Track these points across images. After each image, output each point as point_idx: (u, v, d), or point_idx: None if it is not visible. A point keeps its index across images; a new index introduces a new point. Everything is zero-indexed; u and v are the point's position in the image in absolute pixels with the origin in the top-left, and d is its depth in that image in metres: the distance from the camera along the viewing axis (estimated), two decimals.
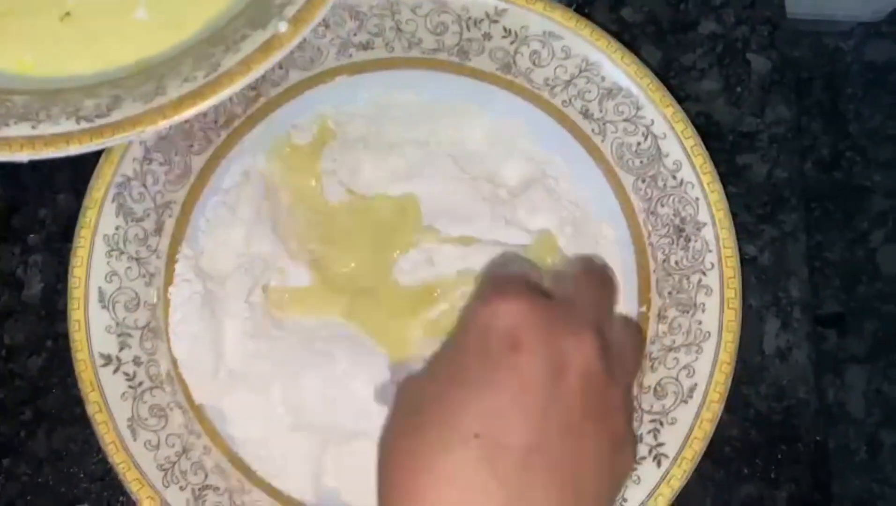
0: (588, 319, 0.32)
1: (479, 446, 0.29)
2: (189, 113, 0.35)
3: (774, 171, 0.47)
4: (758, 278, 0.46)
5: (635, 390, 0.39)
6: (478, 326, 0.31)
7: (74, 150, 0.35)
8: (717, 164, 0.42)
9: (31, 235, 0.46)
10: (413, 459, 0.30)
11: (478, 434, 0.29)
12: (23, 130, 0.35)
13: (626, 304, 0.41)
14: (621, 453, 0.33)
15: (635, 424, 0.39)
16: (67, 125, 0.35)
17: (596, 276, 0.38)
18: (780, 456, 0.44)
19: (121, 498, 0.43)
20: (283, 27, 0.36)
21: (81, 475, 0.43)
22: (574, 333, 0.31)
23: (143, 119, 0.35)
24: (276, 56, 0.36)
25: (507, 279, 0.34)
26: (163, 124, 0.35)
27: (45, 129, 0.35)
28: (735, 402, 0.44)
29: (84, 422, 0.40)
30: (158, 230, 0.41)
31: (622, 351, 0.35)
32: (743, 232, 0.46)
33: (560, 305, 0.33)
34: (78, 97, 0.36)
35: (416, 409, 0.31)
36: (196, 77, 0.35)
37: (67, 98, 0.36)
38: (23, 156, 0.35)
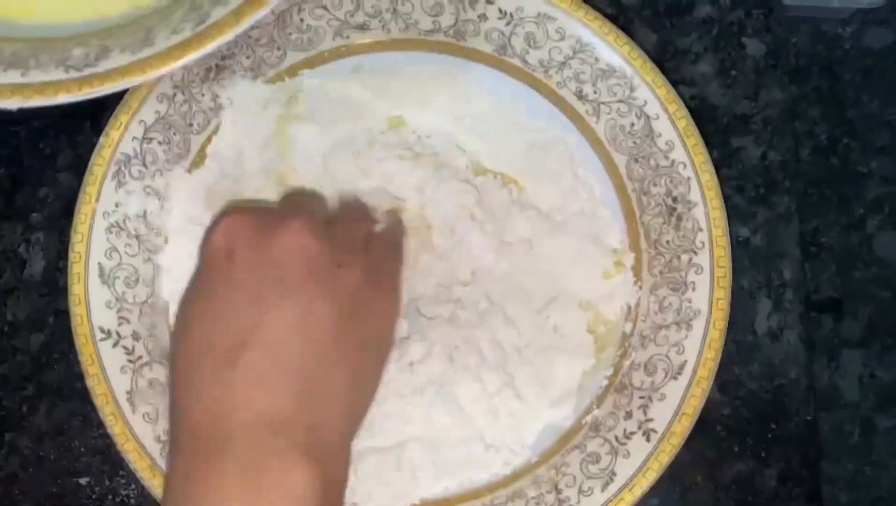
0: (297, 213, 0.35)
1: (215, 352, 0.32)
2: (176, 64, 0.35)
3: (768, 153, 0.47)
4: (750, 260, 0.46)
5: (625, 367, 0.40)
6: (202, 251, 0.35)
7: (63, 98, 0.35)
8: (711, 146, 0.43)
9: (33, 214, 0.46)
10: (178, 372, 0.33)
11: (212, 342, 0.32)
12: (12, 77, 0.35)
13: (618, 283, 0.42)
14: (366, 301, 0.35)
15: (624, 399, 0.39)
16: (56, 73, 0.35)
17: (305, 190, 0.42)
18: (770, 435, 0.45)
19: (121, 472, 0.44)
20: None
21: (82, 450, 0.44)
22: (282, 223, 0.34)
23: (131, 69, 0.35)
24: (265, 8, 0.35)
25: (231, 207, 0.40)
26: (150, 75, 0.35)
27: (35, 76, 0.35)
28: (727, 381, 0.44)
29: (85, 397, 0.41)
30: (158, 208, 0.42)
31: (354, 225, 0.38)
32: (736, 214, 0.46)
33: (273, 210, 0.37)
34: (67, 46, 0.36)
35: (179, 321, 0.35)
36: (184, 28, 0.35)
37: (57, 47, 0.36)
38: (12, 103, 0.35)
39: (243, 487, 0.30)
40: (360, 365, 0.34)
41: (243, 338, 0.32)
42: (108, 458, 0.44)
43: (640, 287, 0.41)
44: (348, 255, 0.35)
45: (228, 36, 0.35)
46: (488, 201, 0.43)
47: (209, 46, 0.35)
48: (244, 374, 0.31)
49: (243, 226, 0.34)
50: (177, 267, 0.41)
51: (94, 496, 0.44)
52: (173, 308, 0.41)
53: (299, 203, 0.39)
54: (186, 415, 0.32)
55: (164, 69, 0.35)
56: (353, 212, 0.41)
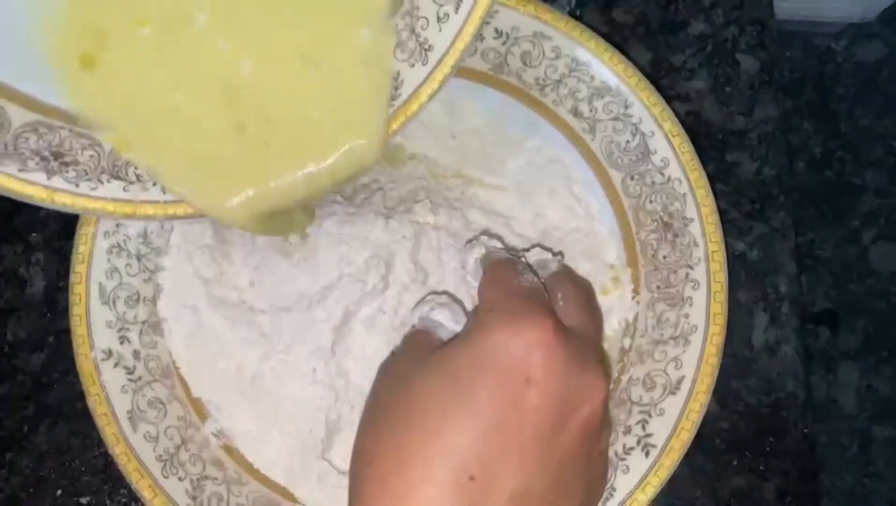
0: (596, 359, 0.31)
1: (471, 489, 0.27)
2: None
3: (763, 168, 0.48)
4: (747, 274, 0.46)
5: (624, 382, 0.40)
6: (488, 350, 0.29)
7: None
8: (706, 161, 0.43)
9: (33, 235, 0.47)
10: (392, 478, 0.28)
11: (472, 477, 0.27)
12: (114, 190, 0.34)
13: (616, 298, 0.42)
14: (595, 496, 0.33)
15: (623, 414, 0.40)
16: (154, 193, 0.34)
17: (593, 302, 0.37)
18: (768, 448, 0.45)
19: (121, 491, 0.44)
20: None
21: (83, 469, 0.44)
22: (586, 377, 0.30)
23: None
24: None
25: (528, 298, 0.32)
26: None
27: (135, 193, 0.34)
28: (725, 395, 0.45)
29: (85, 417, 0.41)
30: (158, 228, 0.42)
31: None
32: (732, 229, 0.46)
33: (575, 339, 0.31)
34: None
35: (399, 417, 0.29)
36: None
37: None
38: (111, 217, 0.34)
39: None
40: None
41: (499, 481, 0.28)
42: (109, 477, 0.44)
43: (638, 303, 0.42)
44: (600, 452, 0.32)
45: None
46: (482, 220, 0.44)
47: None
48: None
49: (547, 352, 0.29)
50: (177, 286, 0.41)
51: None
52: (171, 327, 0.42)
53: (583, 322, 0.34)
54: None
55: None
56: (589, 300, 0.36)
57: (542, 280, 0.35)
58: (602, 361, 0.33)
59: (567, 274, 0.38)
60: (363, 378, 0.40)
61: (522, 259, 0.38)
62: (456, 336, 0.34)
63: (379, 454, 0.29)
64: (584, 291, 0.36)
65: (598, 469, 0.32)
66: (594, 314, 0.36)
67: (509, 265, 0.35)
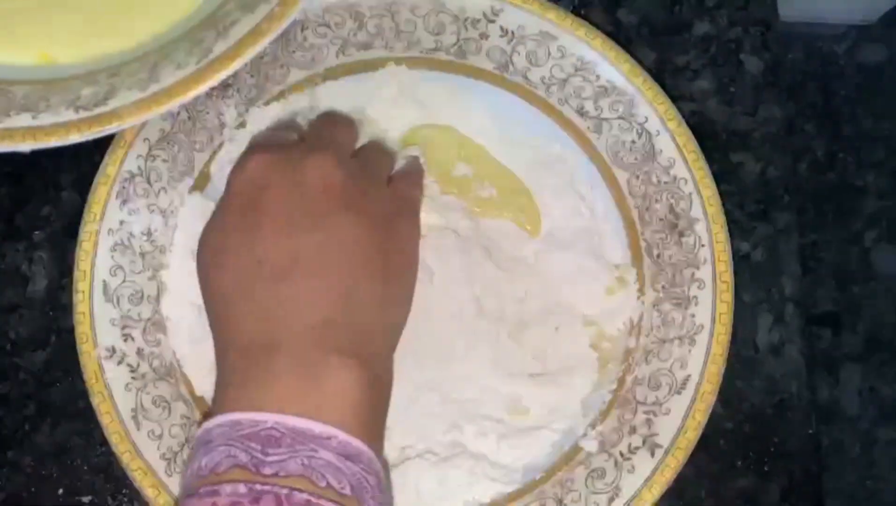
0: (323, 146, 0.38)
1: (264, 269, 0.35)
2: (183, 99, 0.36)
3: (767, 169, 0.48)
4: (751, 275, 0.46)
5: (629, 382, 0.40)
6: (234, 183, 0.37)
7: (75, 138, 0.36)
8: (710, 162, 0.43)
9: (36, 232, 0.46)
10: (226, 290, 0.36)
11: (259, 260, 0.35)
12: (24, 120, 0.36)
13: (622, 298, 0.42)
14: (391, 225, 0.38)
15: (628, 414, 0.40)
16: (67, 114, 0.36)
17: (334, 118, 0.43)
18: (772, 449, 0.45)
19: (124, 491, 0.43)
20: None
21: (85, 468, 0.44)
22: (308, 158, 0.36)
23: (139, 107, 0.36)
24: (265, 40, 0.37)
25: (261, 141, 0.41)
26: (157, 111, 0.36)
27: (46, 119, 0.36)
28: (729, 396, 0.45)
29: (87, 415, 0.41)
30: (162, 226, 0.42)
31: (376, 163, 0.41)
32: (736, 229, 0.46)
33: (299, 145, 0.39)
34: (76, 86, 0.37)
35: (215, 249, 0.37)
36: (188, 63, 0.37)
37: (66, 87, 0.37)
38: (25, 146, 0.36)
39: (298, 385, 0.33)
40: (393, 280, 0.37)
41: (285, 259, 0.35)
42: (111, 476, 0.44)
43: (643, 303, 0.42)
44: (372, 185, 0.38)
45: (231, 69, 0.37)
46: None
47: (213, 80, 0.36)
48: (290, 290, 0.34)
49: (274, 160, 0.37)
50: (181, 285, 0.41)
51: None
52: (175, 325, 0.41)
53: (327, 136, 0.41)
54: (236, 329, 0.35)
55: (171, 105, 0.36)
56: (377, 147, 0.43)
57: None
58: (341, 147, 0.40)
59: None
60: None
61: None
62: None
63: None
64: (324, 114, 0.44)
65: (378, 211, 0.37)
66: (329, 125, 0.43)
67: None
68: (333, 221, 0.36)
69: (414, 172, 0.43)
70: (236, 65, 0.36)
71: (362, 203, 0.37)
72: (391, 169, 0.42)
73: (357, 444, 0.32)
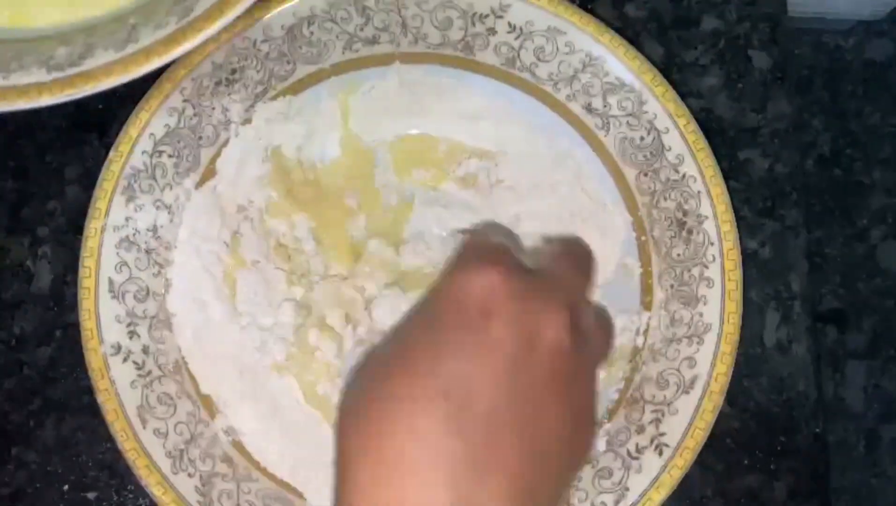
0: (562, 297, 0.32)
1: (446, 406, 0.29)
2: (161, 60, 0.34)
3: (775, 166, 0.47)
4: (758, 272, 0.46)
5: (637, 381, 0.40)
6: (452, 292, 0.32)
7: (46, 100, 0.34)
8: (718, 159, 0.43)
9: (41, 227, 0.46)
10: (378, 416, 0.30)
11: (447, 395, 0.29)
12: None
13: (629, 297, 0.42)
14: (582, 431, 0.32)
15: (636, 413, 0.39)
16: (39, 75, 0.34)
17: (576, 258, 0.37)
18: (779, 448, 0.44)
19: (129, 486, 0.43)
20: None
21: (90, 464, 0.44)
22: (547, 308, 0.31)
23: (115, 68, 0.34)
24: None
25: (485, 248, 0.34)
26: (134, 73, 0.34)
27: (17, 79, 0.34)
28: (736, 394, 0.44)
29: (92, 411, 0.41)
30: (168, 222, 0.42)
31: (593, 336, 0.35)
32: (744, 226, 0.46)
33: (536, 280, 0.33)
34: (51, 46, 0.35)
35: (380, 372, 0.31)
36: (168, 23, 0.34)
37: (40, 47, 0.35)
38: None
39: None
40: (573, 472, 0.33)
41: (476, 397, 0.29)
42: (116, 472, 0.43)
43: (651, 301, 0.41)
44: (586, 371, 0.33)
45: (213, 29, 0.34)
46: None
47: (194, 40, 0.34)
48: (498, 439, 0.29)
49: (505, 286, 0.31)
50: (186, 281, 0.41)
51: None
52: (180, 322, 0.41)
53: (567, 280, 0.35)
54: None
55: (149, 66, 0.34)
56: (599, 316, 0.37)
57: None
58: (577, 303, 0.33)
59: (559, 239, 0.39)
60: None
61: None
62: None
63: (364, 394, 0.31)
64: (562, 243, 0.38)
65: (581, 408, 0.32)
66: (570, 266, 0.36)
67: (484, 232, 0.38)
68: (542, 400, 0.30)
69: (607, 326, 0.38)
70: (219, 24, 0.34)
71: (570, 393, 0.32)
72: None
73: None
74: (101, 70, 0.34)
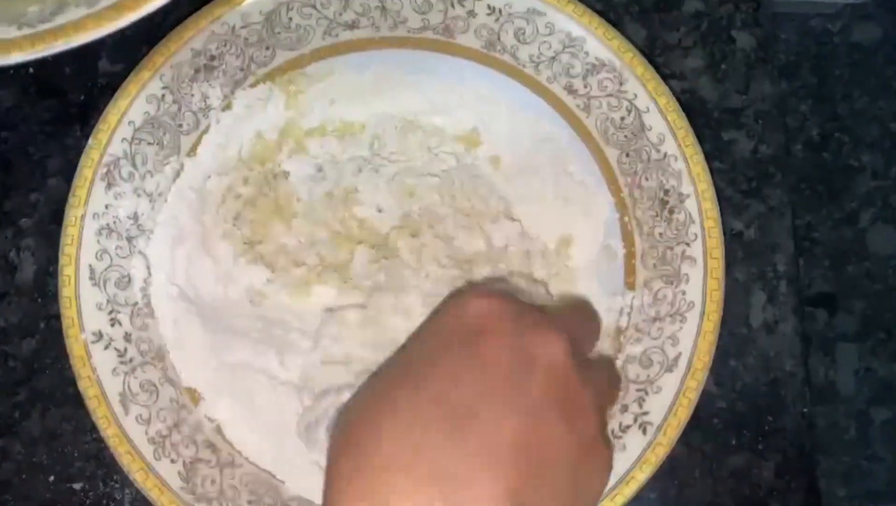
0: (562, 327, 0.32)
1: (439, 413, 0.29)
2: (133, 15, 0.33)
3: (759, 147, 0.47)
4: (744, 253, 0.46)
5: (621, 361, 0.40)
6: (450, 313, 0.32)
7: (17, 57, 0.33)
8: (702, 140, 0.43)
9: (24, 219, 0.46)
10: (368, 421, 0.30)
11: (440, 403, 0.29)
12: None
13: (613, 278, 0.42)
14: (592, 457, 0.32)
15: (620, 393, 0.39)
16: (9, 32, 0.33)
17: (581, 311, 0.39)
18: (766, 428, 0.44)
19: (115, 476, 0.43)
20: None
21: (76, 454, 0.44)
22: (545, 334, 0.31)
23: (87, 22, 0.33)
24: None
25: (485, 287, 0.36)
26: (106, 28, 0.33)
27: None
28: (723, 374, 0.44)
29: (77, 402, 0.41)
30: (149, 209, 0.41)
31: (597, 379, 0.35)
32: (729, 207, 0.46)
33: (533, 309, 0.33)
34: (24, 4, 0.35)
35: (379, 385, 0.32)
36: None
37: (12, 6, 0.35)
38: None
39: None
40: None
41: (476, 405, 0.29)
42: (102, 463, 0.43)
43: (634, 281, 0.41)
44: (589, 401, 0.32)
45: None
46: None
47: None
48: (473, 440, 0.29)
49: (501, 310, 0.32)
50: (166, 269, 0.41)
51: (88, 502, 0.43)
52: (161, 310, 0.41)
53: (573, 326, 0.35)
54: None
55: (121, 21, 0.33)
56: (584, 315, 0.39)
57: None
58: (578, 341, 0.33)
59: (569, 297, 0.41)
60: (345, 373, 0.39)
61: None
62: None
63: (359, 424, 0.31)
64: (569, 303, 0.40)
65: (587, 433, 0.31)
66: (575, 316, 0.38)
67: None
68: (544, 422, 0.30)
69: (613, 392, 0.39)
70: None
71: (575, 416, 0.31)
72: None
73: None
74: (72, 25, 0.33)
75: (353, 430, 0.30)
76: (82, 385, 0.39)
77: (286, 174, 0.43)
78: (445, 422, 0.29)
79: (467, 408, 0.29)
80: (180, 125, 0.42)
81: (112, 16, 0.33)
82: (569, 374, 0.31)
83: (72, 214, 0.40)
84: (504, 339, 0.31)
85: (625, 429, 0.39)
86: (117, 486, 0.43)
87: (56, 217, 0.45)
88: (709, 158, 0.42)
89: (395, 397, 0.30)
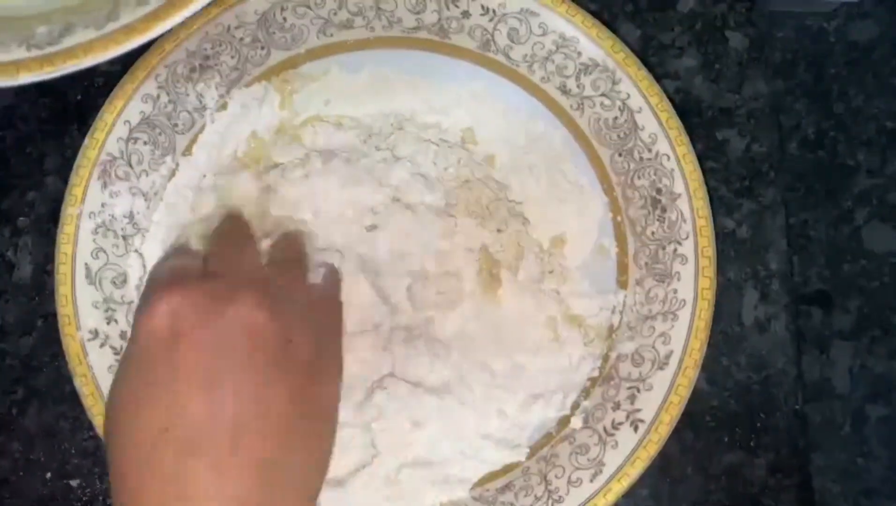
0: (245, 281, 0.34)
1: (170, 438, 0.30)
2: (141, 38, 0.34)
3: (752, 146, 0.48)
4: (736, 251, 0.46)
5: (612, 359, 0.40)
6: (143, 326, 0.32)
7: (25, 78, 0.34)
8: (696, 139, 0.43)
9: (21, 218, 0.46)
10: (126, 461, 0.31)
11: (165, 428, 0.30)
12: None
13: (606, 277, 0.42)
14: (315, 380, 0.34)
15: (612, 390, 0.40)
16: (18, 53, 0.34)
17: (232, 228, 0.39)
18: (759, 425, 0.45)
19: None
20: None
21: (72, 452, 0.44)
22: (227, 304, 0.32)
23: (95, 46, 0.34)
24: None
25: (163, 276, 0.35)
26: (114, 51, 0.34)
27: None
28: (715, 372, 0.45)
29: (74, 399, 0.41)
30: (144, 208, 0.42)
31: (315, 308, 0.36)
32: (722, 206, 0.46)
33: (217, 281, 0.34)
34: (31, 24, 0.35)
35: (116, 412, 0.33)
36: (149, 1, 0.34)
37: (20, 25, 0.35)
38: None
39: None
40: (317, 442, 0.34)
41: (199, 425, 0.30)
42: (99, 460, 0.44)
43: (627, 280, 0.42)
44: (297, 329, 0.34)
45: (196, 5, 0.34)
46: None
47: (176, 17, 0.33)
48: (204, 462, 0.30)
49: (185, 303, 0.32)
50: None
51: (85, 498, 0.44)
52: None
53: (235, 263, 0.36)
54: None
55: (130, 44, 0.34)
56: (292, 265, 0.39)
57: None
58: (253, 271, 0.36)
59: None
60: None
61: None
62: None
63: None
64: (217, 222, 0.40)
65: (302, 374, 0.33)
66: (231, 239, 0.38)
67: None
68: (255, 378, 0.31)
69: (334, 296, 0.39)
70: (199, 2, 0.33)
71: (288, 353, 0.33)
72: (310, 291, 0.38)
73: None
74: (81, 48, 0.34)
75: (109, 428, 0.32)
76: (78, 383, 0.39)
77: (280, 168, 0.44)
78: (175, 455, 0.30)
79: (185, 432, 0.30)
80: (176, 125, 0.42)
81: (121, 39, 0.34)
82: (268, 320, 0.32)
83: (68, 213, 0.41)
84: (195, 332, 0.31)
85: (617, 426, 0.39)
86: None
87: (53, 216, 0.45)
88: (702, 157, 0.42)
89: (121, 429, 0.32)
